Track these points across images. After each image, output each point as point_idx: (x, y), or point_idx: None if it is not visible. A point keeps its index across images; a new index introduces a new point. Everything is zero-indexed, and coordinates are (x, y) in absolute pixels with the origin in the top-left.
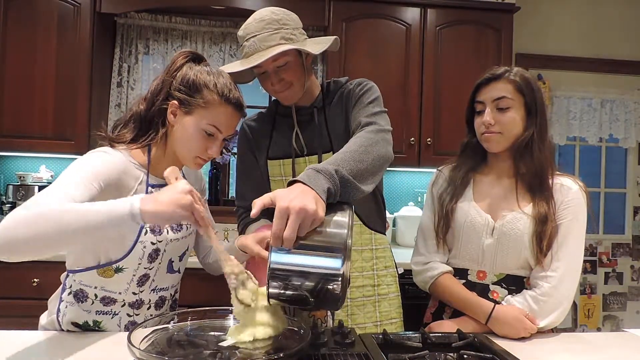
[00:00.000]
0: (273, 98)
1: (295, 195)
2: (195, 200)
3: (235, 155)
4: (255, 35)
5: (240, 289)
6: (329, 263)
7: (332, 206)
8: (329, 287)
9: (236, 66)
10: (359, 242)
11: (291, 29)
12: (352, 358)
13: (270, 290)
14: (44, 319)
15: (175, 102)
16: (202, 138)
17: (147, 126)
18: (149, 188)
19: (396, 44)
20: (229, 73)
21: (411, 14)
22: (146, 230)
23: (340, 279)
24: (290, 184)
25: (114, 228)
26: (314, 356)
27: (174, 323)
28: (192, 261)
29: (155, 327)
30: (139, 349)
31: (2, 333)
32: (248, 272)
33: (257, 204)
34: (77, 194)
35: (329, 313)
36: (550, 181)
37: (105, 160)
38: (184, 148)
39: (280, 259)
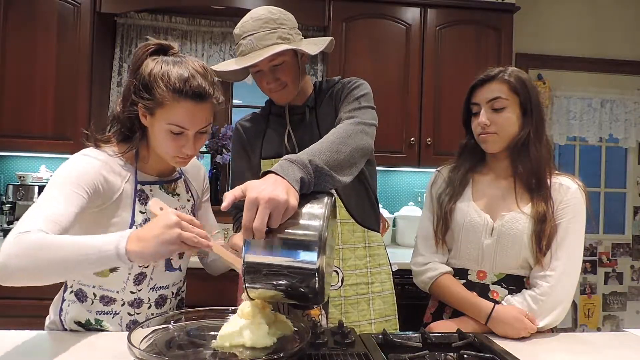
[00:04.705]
0: (267, 98)
1: (266, 186)
2: (185, 227)
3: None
4: (252, 34)
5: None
6: (303, 256)
7: (309, 197)
8: (304, 280)
9: (231, 64)
10: (351, 240)
11: (288, 29)
12: (352, 358)
13: (247, 284)
14: (47, 321)
15: (141, 105)
16: (171, 138)
17: (129, 129)
18: (138, 185)
19: (396, 44)
20: (223, 71)
21: (411, 14)
22: (137, 228)
23: (315, 271)
24: (264, 175)
25: (104, 266)
26: (314, 356)
27: (174, 323)
28: (193, 261)
29: (155, 327)
30: (139, 348)
31: (2, 333)
32: None
33: (228, 197)
34: (64, 212)
35: (322, 311)
36: (548, 180)
37: (87, 164)
38: (160, 150)
39: (254, 252)
